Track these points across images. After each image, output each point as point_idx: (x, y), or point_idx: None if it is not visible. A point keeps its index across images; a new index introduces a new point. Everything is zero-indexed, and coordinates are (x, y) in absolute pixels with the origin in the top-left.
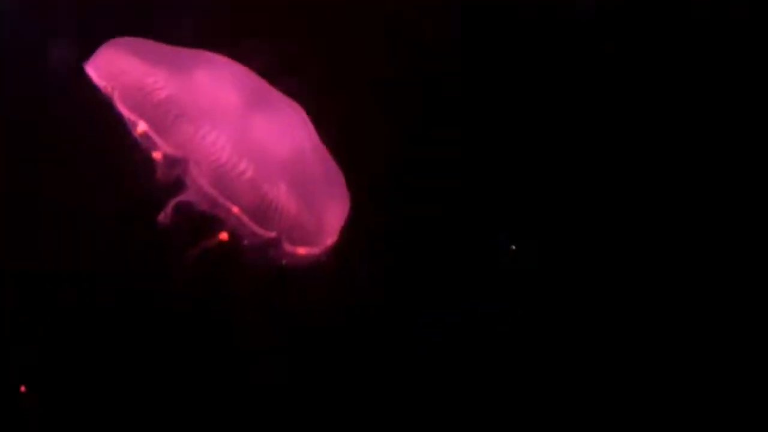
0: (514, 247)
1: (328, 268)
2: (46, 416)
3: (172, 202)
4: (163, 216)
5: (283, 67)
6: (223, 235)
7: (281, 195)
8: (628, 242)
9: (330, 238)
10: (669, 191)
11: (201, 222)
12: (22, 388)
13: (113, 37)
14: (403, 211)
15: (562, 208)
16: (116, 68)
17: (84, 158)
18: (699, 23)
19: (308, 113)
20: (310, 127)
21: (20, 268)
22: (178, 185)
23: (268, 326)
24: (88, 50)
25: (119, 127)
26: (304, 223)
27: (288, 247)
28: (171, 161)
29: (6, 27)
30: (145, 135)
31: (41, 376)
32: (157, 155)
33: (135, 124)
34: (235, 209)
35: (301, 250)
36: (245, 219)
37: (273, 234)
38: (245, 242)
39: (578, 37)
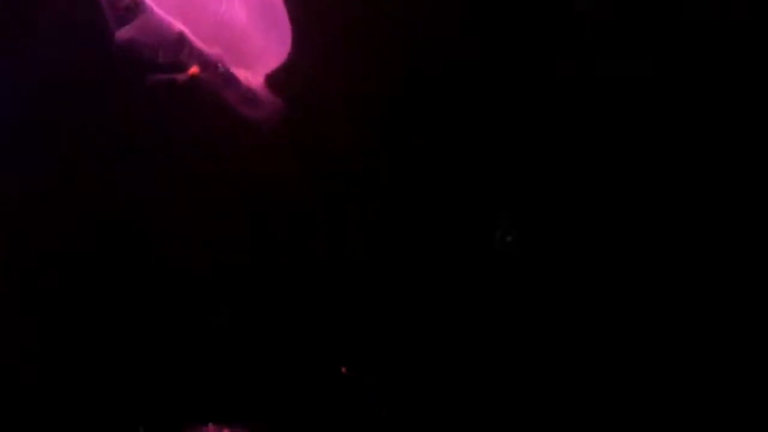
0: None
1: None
2: None
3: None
4: (124, 32)
5: None
6: (194, 69)
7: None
8: (626, 242)
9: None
10: (668, 191)
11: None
12: None
13: None
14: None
15: (558, 203)
16: None
17: None
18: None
19: None
20: None
21: None
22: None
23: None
24: None
25: None
26: (252, 35)
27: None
28: None
29: None
30: None
31: None
32: None
33: None
34: None
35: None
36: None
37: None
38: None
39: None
